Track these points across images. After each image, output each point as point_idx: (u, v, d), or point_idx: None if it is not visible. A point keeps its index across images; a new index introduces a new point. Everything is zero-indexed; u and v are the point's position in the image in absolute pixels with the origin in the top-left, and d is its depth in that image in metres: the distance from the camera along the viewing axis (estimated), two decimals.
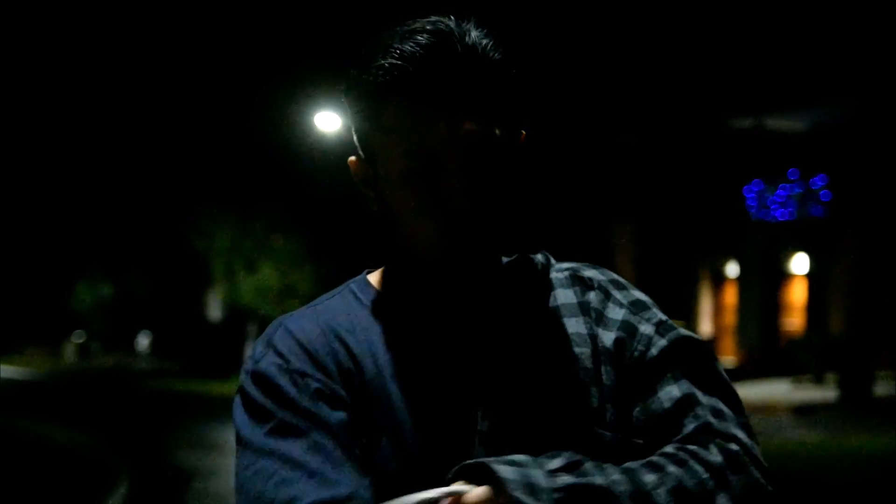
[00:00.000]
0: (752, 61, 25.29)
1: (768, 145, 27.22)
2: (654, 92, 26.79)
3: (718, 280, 29.86)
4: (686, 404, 1.46)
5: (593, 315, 1.53)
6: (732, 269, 29.26)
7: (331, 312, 1.53)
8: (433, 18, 1.46)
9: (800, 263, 27.65)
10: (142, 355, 43.40)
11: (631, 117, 27.87)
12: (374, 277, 1.58)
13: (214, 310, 40.97)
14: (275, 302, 31.04)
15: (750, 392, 23.17)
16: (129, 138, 38.19)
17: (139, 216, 41.29)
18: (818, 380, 23.86)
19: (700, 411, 1.45)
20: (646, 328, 1.51)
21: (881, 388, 21.98)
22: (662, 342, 1.50)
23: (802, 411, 20.34)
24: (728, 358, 28.42)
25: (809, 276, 27.34)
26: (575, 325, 1.52)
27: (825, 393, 22.44)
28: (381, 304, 1.53)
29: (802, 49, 24.13)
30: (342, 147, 29.05)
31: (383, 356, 1.47)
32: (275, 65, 31.05)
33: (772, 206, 26.89)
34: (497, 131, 1.43)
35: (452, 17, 1.46)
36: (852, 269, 23.12)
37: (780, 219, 26.78)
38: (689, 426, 1.44)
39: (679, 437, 1.43)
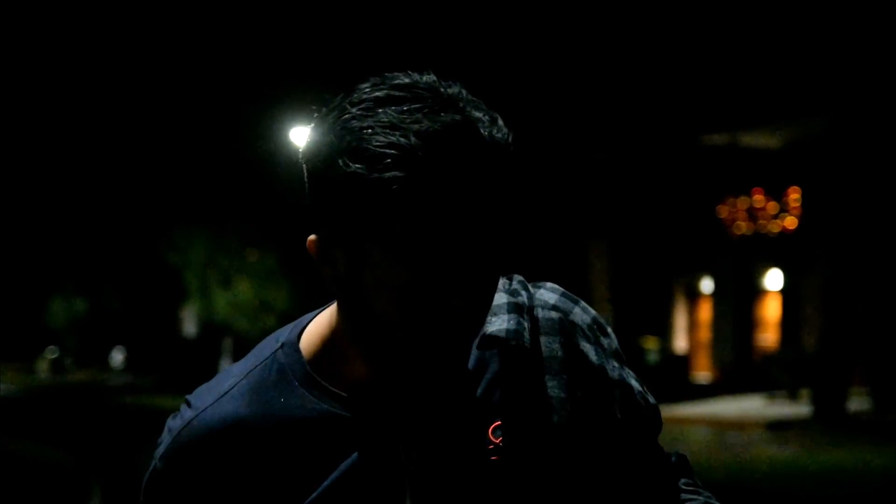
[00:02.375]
0: (726, 78, 25.43)
1: (742, 161, 27.36)
2: (627, 108, 26.89)
3: (693, 296, 29.96)
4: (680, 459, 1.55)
5: (592, 373, 1.43)
6: (707, 286, 29.36)
7: (245, 402, 1.37)
8: (444, 92, 1.26)
9: (773, 279, 27.77)
10: (116, 371, 43.17)
11: (604, 134, 27.96)
12: (308, 334, 1.40)
13: (189, 325, 40.83)
14: (250, 317, 30.99)
15: (724, 408, 23.23)
16: (103, 154, 38.08)
17: (113, 232, 41.14)
18: (792, 395, 23.95)
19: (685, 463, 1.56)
20: (634, 384, 1.48)
21: (854, 404, 22.08)
22: (651, 403, 1.50)
23: (776, 427, 20.41)
24: (703, 374, 28.49)
25: (783, 291, 27.46)
26: (556, 388, 1.41)
27: (799, 409, 22.52)
28: (312, 387, 1.36)
29: (776, 67, 24.28)
30: None
31: (303, 466, 1.34)
32: (249, 80, 31.03)
33: (745, 223, 27.02)
34: (499, 215, 1.28)
35: (463, 99, 1.27)
36: (825, 285, 23.26)
37: (754, 235, 26.90)
38: (688, 473, 1.55)
39: (691, 480, 1.54)
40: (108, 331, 45.51)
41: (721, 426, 21.10)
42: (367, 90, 1.27)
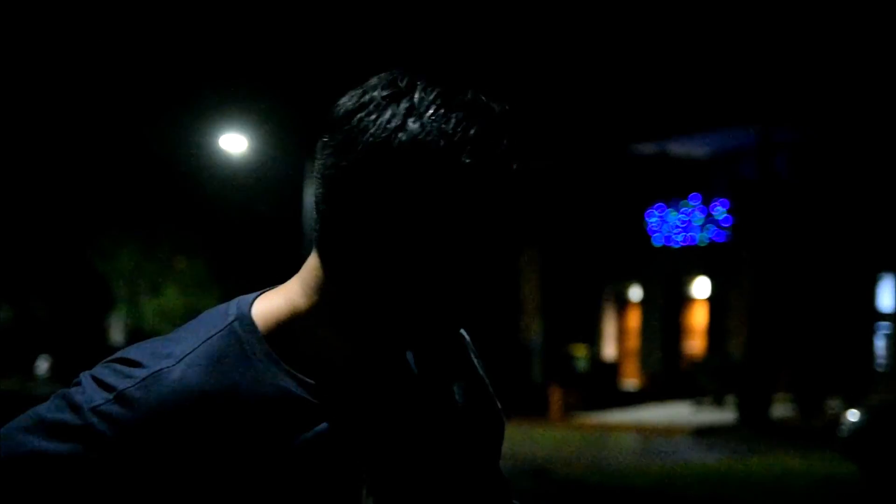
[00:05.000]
0: (655, 88, 25.69)
1: (670, 171, 27.65)
2: (558, 117, 27.06)
3: (622, 304, 30.18)
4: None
5: (480, 384, 1.48)
6: (636, 293, 29.60)
7: (205, 370, 1.26)
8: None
9: (701, 288, 28.07)
10: (41, 379, 42.57)
11: (535, 142, 28.10)
12: (260, 314, 1.31)
13: (116, 333, 40.39)
14: (179, 325, 30.77)
15: (652, 414, 23.46)
16: (29, 160, 37.59)
17: (40, 239, 40.61)
18: (718, 402, 24.23)
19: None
20: (498, 402, 1.53)
21: (778, 411, 22.39)
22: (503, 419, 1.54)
23: (703, 433, 20.65)
24: (631, 381, 28.73)
25: (710, 300, 27.76)
26: (458, 394, 1.44)
27: (725, 415, 22.79)
28: (272, 365, 1.28)
29: (704, 77, 24.57)
30: (248, 169, 28.92)
31: (259, 446, 1.25)
32: (180, 86, 30.81)
33: (674, 231, 27.29)
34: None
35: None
36: (751, 294, 23.57)
37: (682, 243, 27.17)
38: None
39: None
40: (33, 339, 44.88)
41: (649, 433, 21.30)
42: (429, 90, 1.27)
